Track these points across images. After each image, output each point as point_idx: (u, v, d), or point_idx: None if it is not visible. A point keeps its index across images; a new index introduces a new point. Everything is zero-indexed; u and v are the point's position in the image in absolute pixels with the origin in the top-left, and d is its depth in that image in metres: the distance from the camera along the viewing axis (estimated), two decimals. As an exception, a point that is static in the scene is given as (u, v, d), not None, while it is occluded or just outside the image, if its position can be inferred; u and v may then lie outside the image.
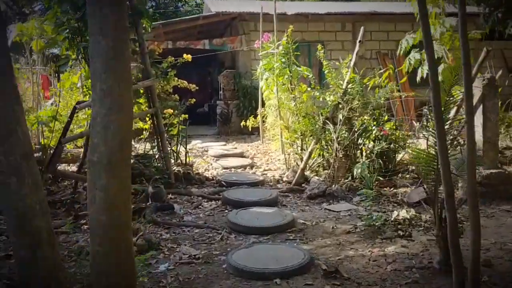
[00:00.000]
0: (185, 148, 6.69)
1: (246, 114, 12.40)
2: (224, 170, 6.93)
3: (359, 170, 5.76)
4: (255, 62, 13.12)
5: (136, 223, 4.41)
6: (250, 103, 12.52)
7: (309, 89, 6.95)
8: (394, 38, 13.67)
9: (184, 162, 6.59)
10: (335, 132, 5.98)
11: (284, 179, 6.35)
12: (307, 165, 6.30)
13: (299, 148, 6.83)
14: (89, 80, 6.13)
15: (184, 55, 6.65)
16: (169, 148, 6.38)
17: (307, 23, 12.86)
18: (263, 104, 10.07)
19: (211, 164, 7.40)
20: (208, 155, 8.27)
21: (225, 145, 10.15)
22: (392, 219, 4.40)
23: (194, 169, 7.00)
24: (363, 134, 6.11)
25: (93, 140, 2.08)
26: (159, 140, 5.84)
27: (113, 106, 2.03)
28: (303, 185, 6.09)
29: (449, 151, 2.98)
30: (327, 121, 6.17)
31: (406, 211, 4.59)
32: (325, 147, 6.25)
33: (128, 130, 2.16)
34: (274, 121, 9.47)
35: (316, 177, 6.15)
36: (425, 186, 3.54)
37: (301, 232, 4.32)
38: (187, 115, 7.24)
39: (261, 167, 7.32)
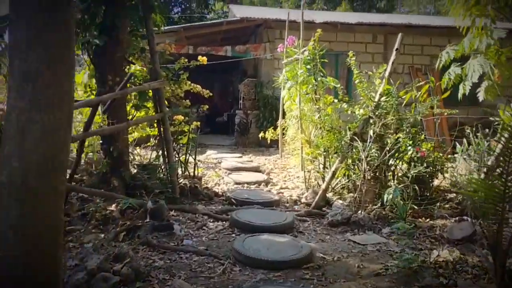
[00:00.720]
0: (194, 159, 6.03)
1: (266, 126, 11.74)
2: (236, 186, 6.24)
3: (390, 196, 4.98)
4: (279, 71, 12.49)
5: (125, 245, 3.74)
6: (270, 114, 11.85)
7: (335, 100, 6.23)
8: (428, 53, 12.87)
9: (192, 174, 5.93)
10: (364, 150, 5.22)
11: (303, 200, 5.61)
12: (330, 186, 5.55)
13: (321, 166, 6.09)
14: (93, 79, 5.58)
15: (199, 58, 6.03)
16: (176, 159, 5.74)
17: (336, 33, 12.16)
18: (284, 116, 9.40)
19: (223, 178, 6.71)
20: (221, 168, 7.60)
21: (240, 157, 9.47)
22: (431, 260, 3.62)
23: (203, 182, 6.33)
24: (396, 154, 5.33)
25: (3, 149, 1.44)
26: (165, 149, 5.19)
27: (37, 98, 1.37)
28: (324, 209, 5.34)
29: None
30: (355, 137, 5.42)
31: (448, 251, 3.80)
32: (352, 166, 5.50)
33: (63, 138, 1.50)
34: (295, 134, 8.77)
35: (340, 201, 5.39)
36: (473, 221, 2.79)
37: (320, 269, 3.57)
38: (198, 123, 6.59)
39: (278, 184, 6.59)
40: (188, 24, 13.20)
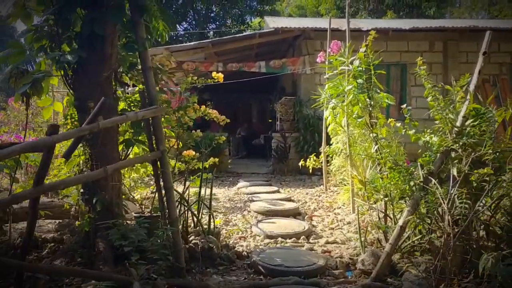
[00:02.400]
0: (210, 209, 4.58)
1: (307, 150, 10.22)
2: (267, 241, 4.73)
3: (489, 264, 3.31)
4: (320, 88, 10.98)
5: None
6: (312, 136, 10.32)
7: (397, 124, 4.62)
8: (497, 61, 10.96)
9: (207, 228, 4.48)
10: (446, 198, 3.60)
11: (359, 265, 4.02)
12: (396, 247, 3.93)
13: (382, 215, 4.48)
14: (72, 108, 4.30)
15: (214, 74, 4.64)
16: (183, 210, 4.35)
17: (386, 41, 10.54)
18: (328, 140, 7.86)
19: (251, 228, 5.21)
20: (251, 210, 6.12)
21: (278, 191, 7.96)
22: None
23: (224, 236, 4.88)
24: (496, 204, 3.66)
25: None
26: (165, 199, 3.79)
27: None
28: (389, 280, 3.74)
29: None
30: (431, 178, 3.81)
31: None
32: (427, 219, 3.86)
33: None
34: (342, 164, 7.19)
35: (413, 271, 3.76)
36: None
37: None
38: (217, 159, 5.18)
39: (323, 237, 5.03)
40: (217, 39, 11.99)
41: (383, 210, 4.45)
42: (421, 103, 10.44)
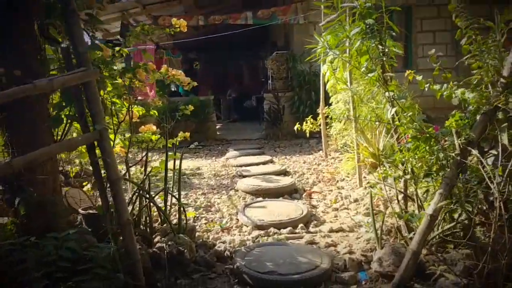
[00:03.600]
0: (179, 201, 3.55)
1: (303, 111, 9.15)
2: (256, 233, 3.75)
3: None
4: (317, 35, 9.78)
5: None
6: (308, 95, 9.23)
7: (418, 78, 3.51)
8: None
9: (177, 225, 3.47)
10: (493, 176, 2.59)
11: (375, 266, 3.05)
12: (425, 241, 2.95)
13: (401, 197, 3.46)
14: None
15: (174, 21, 3.48)
16: (146, 201, 3.35)
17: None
18: (326, 100, 6.81)
19: (237, 215, 4.22)
20: (239, 188, 5.11)
21: (271, 161, 6.96)
22: None
23: (203, 230, 3.90)
24: None
25: None
26: (110, 192, 2.77)
27: None
28: (417, 286, 2.81)
29: None
30: (470, 149, 2.78)
31: None
32: (467, 205, 2.86)
33: None
34: (344, 127, 6.17)
35: (450, 276, 2.79)
36: None
37: None
38: (188, 134, 4.14)
39: (325, 222, 4.05)
40: (196, -11, 10.66)
41: (403, 190, 3.45)
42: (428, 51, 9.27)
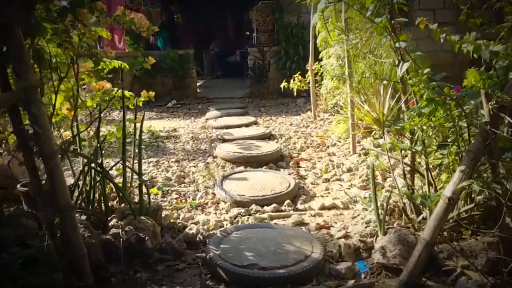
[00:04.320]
0: (140, 176, 2.91)
1: (290, 67, 8.46)
2: (235, 211, 3.18)
3: None
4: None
5: None
6: (296, 50, 8.50)
7: (432, 26, 2.85)
8: None
9: (139, 204, 2.87)
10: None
11: (377, 256, 2.52)
12: (440, 230, 2.42)
13: (406, 172, 2.89)
14: None
15: None
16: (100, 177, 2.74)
17: None
18: (316, 55, 6.16)
19: (213, 188, 3.62)
20: (218, 155, 4.50)
21: (255, 122, 6.33)
22: None
23: (172, 207, 3.31)
24: None
25: None
26: (43, 170, 2.15)
27: None
28: (430, 284, 2.30)
29: None
30: (503, 115, 2.20)
31: None
32: (496, 186, 2.31)
33: None
34: (336, 85, 5.57)
35: (468, 271, 2.28)
36: None
37: None
38: (152, 94, 3.48)
39: (315, 196, 3.50)
40: None
41: (410, 163, 2.88)
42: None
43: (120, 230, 2.60)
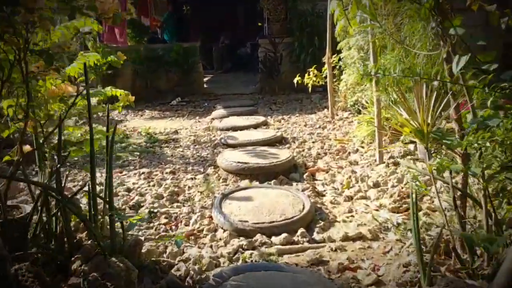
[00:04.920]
0: (109, 204, 2.27)
1: (304, 60, 7.77)
2: (235, 243, 2.54)
3: None
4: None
5: None
6: (310, 41, 7.78)
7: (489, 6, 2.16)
8: None
9: (111, 241, 2.25)
10: None
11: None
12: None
13: (456, 198, 2.22)
14: None
15: None
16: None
17: None
18: (333, 46, 5.50)
19: (211, 209, 2.97)
20: (220, 165, 3.85)
21: (265, 123, 5.68)
22: None
23: (155, 242, 2.68)
24: None
25: None
26: None
27: None
28: None
29: None
30: None
31: None
32: None
33: None
34: (357, 81, 4.91)
35: None
36: None
37: None
38: (132, 98, 2.86)
39: (335, 221, 2.83)
40: None
41: (461, 187, 2.20)
42: None
43: (81, 280, 1.99)
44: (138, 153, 4.49)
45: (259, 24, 12.15)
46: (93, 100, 4.38)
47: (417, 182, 2.24)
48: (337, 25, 4.90)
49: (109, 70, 7.30)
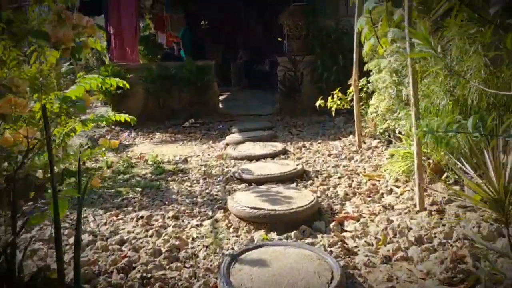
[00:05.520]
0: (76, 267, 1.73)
1: (327, 79, 7.22)
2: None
3: None
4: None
5: None
6: (334, 59, 7.22)
7: None
8: None
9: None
10: None
11: None
12: None
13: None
14: None
15: None
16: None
17: None
18: (360, 66, 4.97)
19: (217, 275, 2.41)
20: (232, 210, 3.28)
21: (284, 151, 5.11)
22: None
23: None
24: None
25: None
26: None
27: None
28: None
29: None
30: None
31: None
32: None
33: None
34: (389, 107, 4.35)
35: None
36: None
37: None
38: (116, 144, 2.32)
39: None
40: None
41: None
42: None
43: None
44: (140, 189, 3.98)
45: (279, 39, 11.67)
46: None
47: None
48: (364, 44, 4.37)
49: (119, 90, 6.88)
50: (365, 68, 5.14)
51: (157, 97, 7.51)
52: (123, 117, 4.72)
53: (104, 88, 4.90)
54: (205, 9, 13.93)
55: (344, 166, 4.42)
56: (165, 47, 13.06)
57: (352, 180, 3.99)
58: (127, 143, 6.39)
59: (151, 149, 5.86)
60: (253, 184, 3.93)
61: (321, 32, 7.42)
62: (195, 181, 4.23)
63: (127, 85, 4.91)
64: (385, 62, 4.20)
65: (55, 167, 1.80)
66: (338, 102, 5.35)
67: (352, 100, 5.31)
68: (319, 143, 5.57)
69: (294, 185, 3.88)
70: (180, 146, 6.00)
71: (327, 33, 7.29)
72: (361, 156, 4.74)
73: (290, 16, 7.59)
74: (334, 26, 7.43)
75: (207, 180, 4.25)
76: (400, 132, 4.26)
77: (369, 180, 3.97)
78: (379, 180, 3.95)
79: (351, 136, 5.68)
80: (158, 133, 6.88)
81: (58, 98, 4.64)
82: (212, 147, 5.78)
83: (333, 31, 7.32)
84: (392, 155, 4.21)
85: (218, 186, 4.00)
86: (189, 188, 4.01)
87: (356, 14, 4.78)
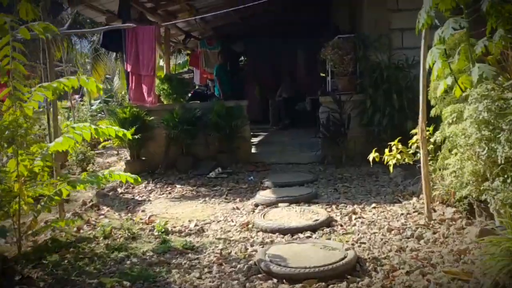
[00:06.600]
0: None
1: (380, 123, 6.07)
2: None
3: None
4: (396, 16, 6.63)
5: None
6: (388, 100, 6.09)
7: None
8: None
9: None
10: None
11: None
12: None
13: None
14: None
15: None
16: None
17: None
18: (428, 108, 3.80)
19: None
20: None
21: (327, 223, 3.92)
22: None
23: None
24: None
25: None
26: None
27: None
28: None
29: None
30: None
31: None
32: None
33: None
34: (477, 168, 3.10)
35: None
36: None
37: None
38: None
39: None
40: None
41: None
42: None
43: None
44: (129, 283, 2.92)
45: (322, 74, 10.61)
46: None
47: None
48: (440, 84, 3.25)
49: (137, 134, 6.01)
50: (431, 113, 4.01)
51: (180, 143, 6.59)
52: (124, 176, 3.78)
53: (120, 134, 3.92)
54: (247, 45, 13.18)
55: (411, 251, 3.20)
56: (198, 84, 12.36)
57: (424, 275, 2.77)
58: (140, 198, 5.44)
59: (165, 209, 4.87)
60: (284, 281, 2.79)
61: (371, 67, 6.32)
62: (206, 269, 3.13)
63: (129, 135, 3.99)
64: (471, 110, 3.03)
65: None
66: (398, 156, 4.18)
67: (415, 153, 4.14)
68: (373, 207, 4.36)
69: (345, 286, 2.70)
70: (200, 205, 4.97)
71: (379, 69, 6.17)
72: (433, 233, 3.49)
73: (335, 50, 6.54)
74: (387, 61, 6.32)
75: (223, 267, 3.15)
76: (486, 201, 3.05)
77: (453, 280, 2.73)
78: (467, 281, 2.70)
79: (414, 198, 4.44)
80: (178, 185, 5.90)
81: (41, 153, 3.70)
82: (238, 208, 4.70)
83: (386, 67, 6.20)
84: (481, 238, 2.98)
85: (235, 283, 2.87)
86: (196, 283, 2.92)
87: (422, 45, 3.67)
